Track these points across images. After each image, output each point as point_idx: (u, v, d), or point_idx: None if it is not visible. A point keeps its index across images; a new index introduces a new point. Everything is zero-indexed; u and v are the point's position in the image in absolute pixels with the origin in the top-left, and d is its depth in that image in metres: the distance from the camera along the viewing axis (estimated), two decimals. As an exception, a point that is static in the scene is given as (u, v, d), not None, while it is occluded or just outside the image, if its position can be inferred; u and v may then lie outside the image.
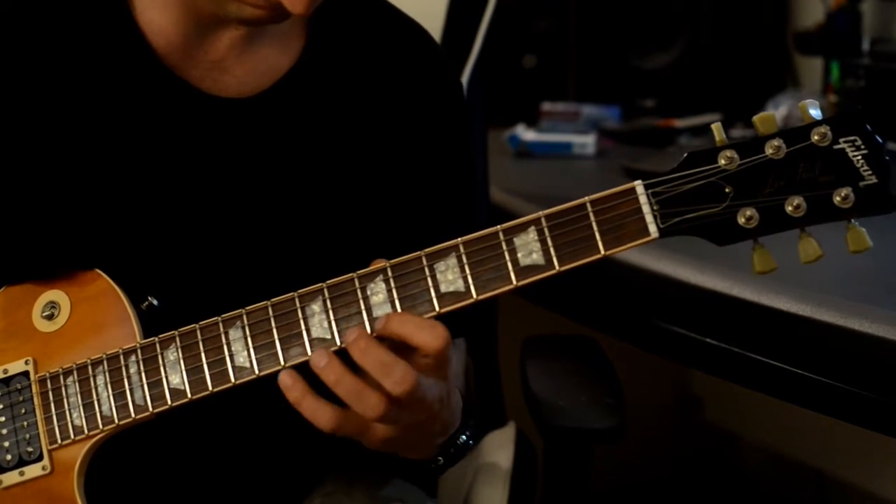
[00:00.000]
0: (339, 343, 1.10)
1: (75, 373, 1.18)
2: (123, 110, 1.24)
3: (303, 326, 1.11)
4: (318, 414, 1.08)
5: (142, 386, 1.15)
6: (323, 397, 1.08)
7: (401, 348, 1.08)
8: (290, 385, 1.08)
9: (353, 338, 1.07)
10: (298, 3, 1.12)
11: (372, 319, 1.10)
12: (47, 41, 1.25)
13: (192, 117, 1.25)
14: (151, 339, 1.16)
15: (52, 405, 1.18)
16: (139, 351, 1.16)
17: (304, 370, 1.10)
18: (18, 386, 1.20)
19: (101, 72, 1.24)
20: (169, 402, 1.14)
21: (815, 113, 1.03)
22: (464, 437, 1.21)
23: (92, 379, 1.17)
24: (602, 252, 1.05)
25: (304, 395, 1.08)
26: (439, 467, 1.22)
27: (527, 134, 2.35)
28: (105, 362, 1.17)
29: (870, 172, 1.01)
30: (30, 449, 1.19)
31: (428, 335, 1.07)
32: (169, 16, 1.24)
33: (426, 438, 1.17)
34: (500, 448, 1.58)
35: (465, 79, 1.77)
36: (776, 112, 2.16)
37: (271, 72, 1.27)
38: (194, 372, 1.14)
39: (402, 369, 1.06)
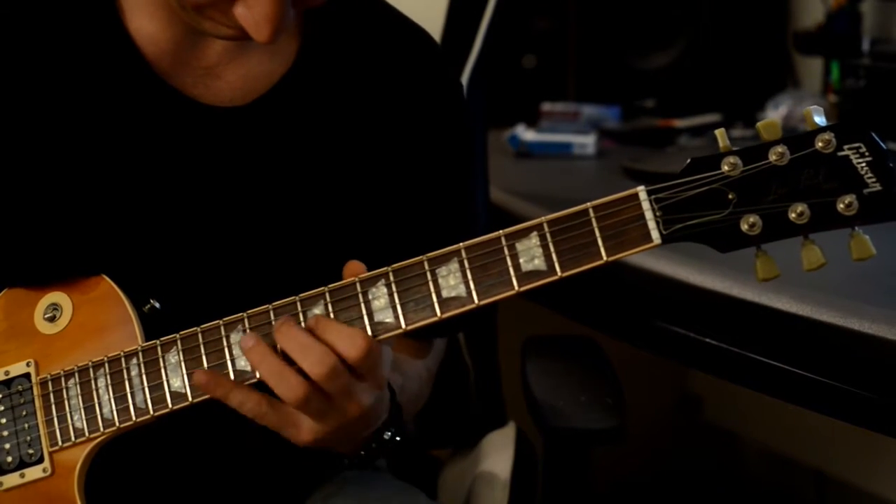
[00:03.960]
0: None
1: (76, 375, 1.18)
2: (117, 118, 1.24)
3: (305, 330, 1.11)
4: (245, 401, 1.11)
5: (143, 389, 1.16)
6: None
7: None
8: (205, 381, 1.11)
9: (279, 323, 1.10)
10: (263, 32, 1.11)
11: (373, 324, 1.10)
12: (39, 51, 1.24)
13: (185, 125, 1.25)
14: (153, 341, 1.16)
15: (54, 407, 1.19)
16: (140, 354, 1.16)
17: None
18: (20, 388, 1.20)
19: (94, 80, 1.24)
20: (170, 405, 1.15)
21: (820, 120, 1.03)
22: (388, 433, 1.22)
23: (93, 381, 1.17)
24: (604, 258, 1.05)
25: (229, 388, 1.11)
26: (359, 458, 1.23)
27: (527, 134, 2.35)
28: (106, 365, 1.17)
29: (874, 180, 1.01)
30: (30, 451, 1.19)
31: (348, 344, 1.08)
32: (157, 23, 1.23)
33: (353, 438, 1.19)
34: (500, 448, 1.58)
35: (465, 79, 1.77)
36: (776, 112, 2.16)
37: (265, 77, 1.27)
38: (196, 375, 1.14)
39: (320, 351, 1.08)
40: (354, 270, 1.12)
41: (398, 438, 1.22)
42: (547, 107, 2.46)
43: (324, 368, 1.08)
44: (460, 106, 1.37)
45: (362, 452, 1.22)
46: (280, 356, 1.09)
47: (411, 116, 1.30)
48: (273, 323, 1.12)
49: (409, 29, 1.35)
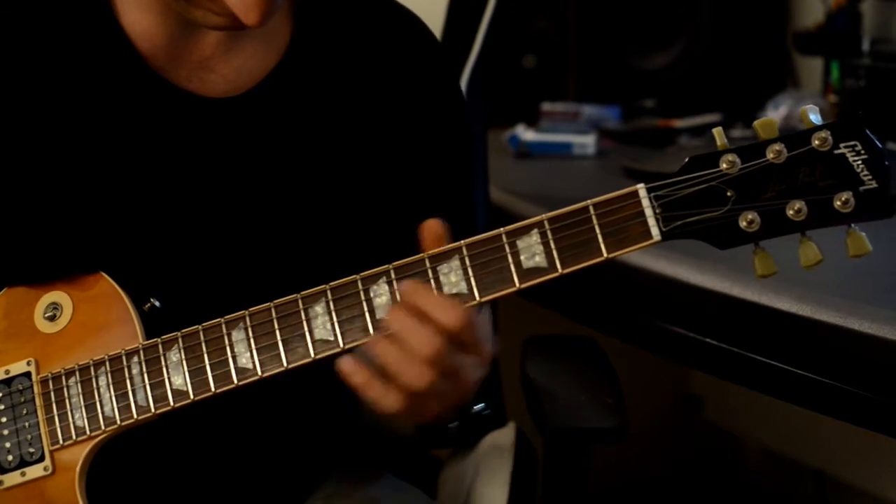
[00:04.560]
0: (342, 345, 1.10)
1: (77, 373, 1.18)
2: (113, 114, 1.24)
3: (306, 328, 1.11)
4: (386, 397, 1.10)
5: (144, 387, 1.16)
6: None
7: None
8: (353, 370, 1.09)
9: (407, 284, 1.09)
10: (252, 15, 1.10)
11: (375, 322, 1.10)
12: (33, 47, 1.24)
13: (181, 119, 1.25)
14: (154, 340, 1.16)
15: (54, 406, 1.19)
16: (142, 352, 1.16)
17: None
18: (20, 386, 1.20)
19: (89, 76, 1.24)
20: (171, 404, 1.15)
21: (816, 118, 1.04)
22: (478, 406, 1.22)
23: (94, 380, 1.17)
24: (605, 255, 1.06)
25: (369, 378, 1.09)
26: (451, 433, 1.24)
27: (527, 134, 2.35)
28: (107, 363, 1.17)
29: (870, 177, 1.02)
30: (31, 450, 1.19)
31: (443, 313, 1.07)
32: (151, 17, 1.23)
33: (455, 407, 1.18)
34: (500, 448, 1.58)
35: (464, 79, 1.77)
36: (776, 112, 2.16)
37: (258, 69, 1.27)
38: (197, 373, 1.14)
39: (457, 306, 1.07)
40: (433, 231, 1.11)
41: (488, 412, 1.23)
42: (547, 107, 2.47)
43: (464, 320, 1.07)
44: (456, 92, 1.36)
45: (455, 423, 1.22)
46: (377, 374, 1.09)
47: (407, 103, 1.30)
48: (274, 321, 1.12)
49: (401, 15, 1.34)
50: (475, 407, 1.22)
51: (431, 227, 1.11)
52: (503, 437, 1.59)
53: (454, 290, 1.09)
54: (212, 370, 1.14)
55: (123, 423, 1.16)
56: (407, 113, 1.30)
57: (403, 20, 1.34)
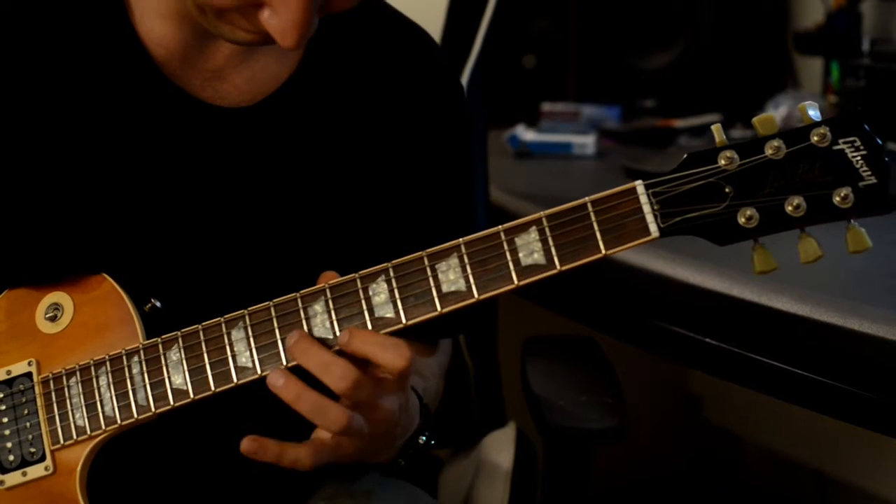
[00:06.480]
0: (341, 343, 1.10)
1: (78, 373, 1.18)
2: (124, 118, 1.24)
3: (305, 327, 1.11)
4: (298, 458, 1.13)
5: (144, 386, 1.16)
6: None
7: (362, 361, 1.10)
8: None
9: (293, 340, 1.09)
10: (289, 39, 1.08)
11: (374, 319, 1.10)
12: (48, 51, 1.25)
13: (192, 126, 1.25)
14: (154, 339, 1.16)
15: (55, 406, 1.19)
16: (142, 351, 1.16)
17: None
18: (21, 387, 1.20)
19: (102, 81, 1.24)
20: (171, 403, 1.15)
21: (815, 114, 1.04)
22: (423, 437, 1.23)
23: (95, 380, 1.17)
24: (603, 252, 1.06)
25: (280, 451, 1.13)
26: (401, 468, 1.24)
27: (527, 134, 2.35)
28: (108, 363, 1.17)
29: (869, 173, 1.02)
30: (32, 449, 1.19)
31: (392, 355, 1.08)
32: (168, 26, 1.23)
33: (388, 444, 1.19)
34: (500, 448, 1.58)
35: (465, 79, 1.77)
36: (776, 112, 2.17)
37: (271, 80, 1.27)
38: (197, 372, 1.14)
39: (342, 366, 1.08)
40: (328, 279, 1.12)
41: (433, 442, 1.23)
42: (547, 107, 2.47)
43: (347, 383, 1.08)
44: (460, 106, 1.37)
45: (401, 461, 1.23)
46: (315, 391, 1.09)
47: (412, 117, 1.31)
48: (274, 320, 1.12)
49: (410, 30, 1.36)
50: (420, 438, 1.22)
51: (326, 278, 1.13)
52: (503, 437, 1.60)
53: (452, 288, 1.09)
54: (211, 369, 1.14)
55: (124, 423, 1.16)
56: (411, 124, 1.31)
57: (410, 35, 1.35)
